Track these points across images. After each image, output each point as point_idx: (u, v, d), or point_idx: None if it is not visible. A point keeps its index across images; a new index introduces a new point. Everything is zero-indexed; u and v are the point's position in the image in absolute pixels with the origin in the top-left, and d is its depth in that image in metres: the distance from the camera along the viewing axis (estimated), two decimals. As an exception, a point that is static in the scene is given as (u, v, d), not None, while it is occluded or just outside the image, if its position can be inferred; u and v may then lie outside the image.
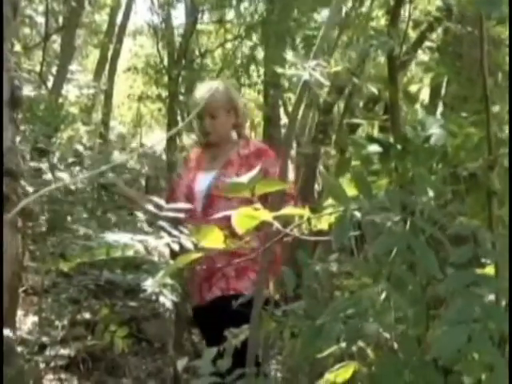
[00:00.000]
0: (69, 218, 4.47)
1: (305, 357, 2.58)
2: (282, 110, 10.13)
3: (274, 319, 3.08)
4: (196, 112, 3.70)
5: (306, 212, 1.79)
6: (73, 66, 9.31)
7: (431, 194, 1.35)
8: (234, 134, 3.73)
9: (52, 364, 5.05)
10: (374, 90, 2.99)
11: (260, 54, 8.84)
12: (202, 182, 3.58)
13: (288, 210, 1.80)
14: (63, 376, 5.05)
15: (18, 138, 1.52)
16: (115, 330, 3.10)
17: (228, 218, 3.38)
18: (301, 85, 3.64)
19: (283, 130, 9.77)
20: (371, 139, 1.48)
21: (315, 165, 8.72)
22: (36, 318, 5.62)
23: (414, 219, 1.27)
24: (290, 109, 9.80)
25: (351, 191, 1.46)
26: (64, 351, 5.22)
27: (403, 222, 1.30)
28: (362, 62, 6.36)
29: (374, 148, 1.49)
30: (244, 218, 1.74)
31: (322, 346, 1.56)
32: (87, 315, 5.73)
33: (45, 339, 5.20)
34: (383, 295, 1.61)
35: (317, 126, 8.83)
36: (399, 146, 1.45)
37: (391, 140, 1.73)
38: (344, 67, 2.49)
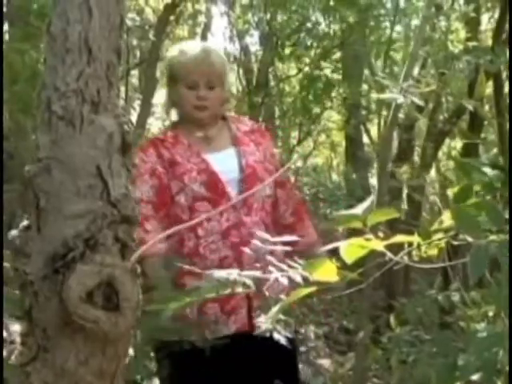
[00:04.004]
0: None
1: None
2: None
3: (379, 346, 3.01)
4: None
5: (416, 238, 1.73)
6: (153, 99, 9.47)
7: None
8: (221, 111, 3.06)
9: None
10: (470, 107, 2.91)
11: (338, 75, 8.80)
12: (222, 163, 2.87)
13: (399, 237, 1.74)
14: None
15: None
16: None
17: (266, 210, 3.10)
18: (394, 107, 3.63)
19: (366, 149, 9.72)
20: (494, 165, 1.42)
21: (400, 183, 8.61)
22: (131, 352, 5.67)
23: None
24: (370, 128, 9.73)
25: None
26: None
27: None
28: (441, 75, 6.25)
29: (497, 174, 1.43)
30: (353, 248, 1.69)
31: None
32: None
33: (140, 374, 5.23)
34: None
35: (399, 144, 8.73)
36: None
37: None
38: (438, 85, 2.43)
